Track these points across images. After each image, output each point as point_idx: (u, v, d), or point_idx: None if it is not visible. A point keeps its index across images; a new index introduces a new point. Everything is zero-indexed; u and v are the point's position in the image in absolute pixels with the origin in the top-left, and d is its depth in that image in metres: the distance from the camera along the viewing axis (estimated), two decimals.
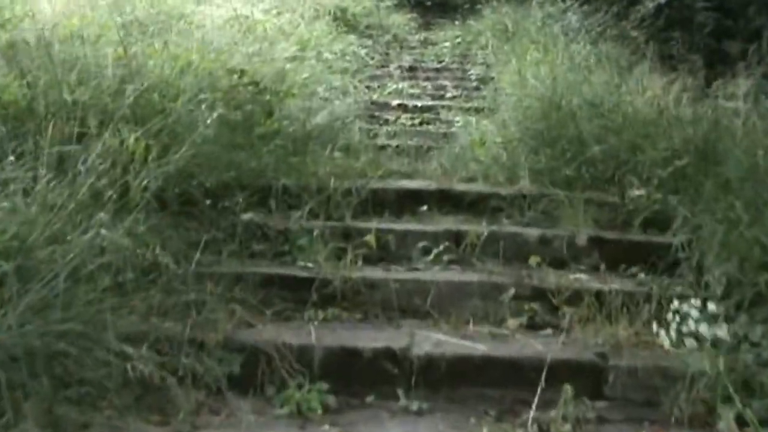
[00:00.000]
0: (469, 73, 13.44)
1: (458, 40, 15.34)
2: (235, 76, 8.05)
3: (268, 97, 8.24)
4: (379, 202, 6.52)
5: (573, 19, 12.22)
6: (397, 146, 9.98)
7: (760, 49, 9.81)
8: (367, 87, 12.53)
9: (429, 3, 19.07)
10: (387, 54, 14.50)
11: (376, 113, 11.52)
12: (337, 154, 7.44)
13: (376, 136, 10.60)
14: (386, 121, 11.24)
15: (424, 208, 6.59)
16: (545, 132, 7.59)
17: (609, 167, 7.01)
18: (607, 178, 6.97)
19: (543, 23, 14.37)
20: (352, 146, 8.30)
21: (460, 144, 9.15)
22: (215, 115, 6.95)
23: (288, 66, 10.47)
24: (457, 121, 11.04)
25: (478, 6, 17.30)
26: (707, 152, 6.79)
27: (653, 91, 8.79)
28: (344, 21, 14.25)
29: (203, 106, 7.27)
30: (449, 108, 11.70)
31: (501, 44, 14.25)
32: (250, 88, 8.08)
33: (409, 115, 11.38)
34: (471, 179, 7.26)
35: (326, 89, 11.08)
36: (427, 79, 13.38)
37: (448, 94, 12.41)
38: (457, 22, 16.88)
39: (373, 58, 13.75)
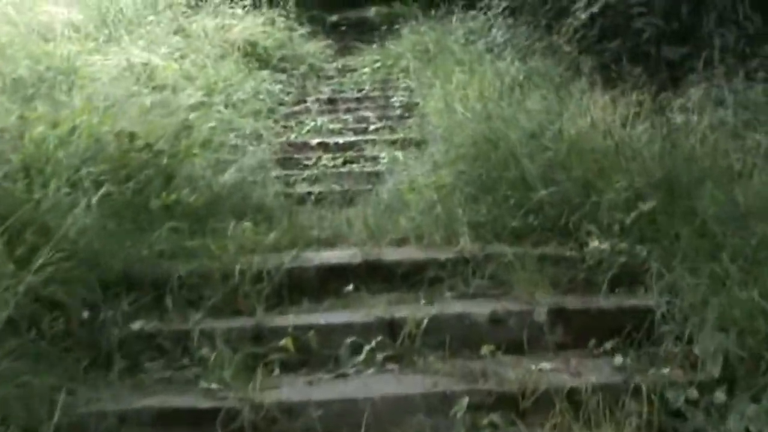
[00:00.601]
0: (392, 100, 12.38)
1: (377, 64, 14.26)
2: (126, 140, 6.88)
3: (165, 160, 7.08)
4: (296, 285, 5.38)
5: (498, 35, 11.16)
6: (319, 194, 8.96)
7: (699, 50, 8.90)
8: (284, 126, 11.43)
9: (344, 27, 17.95)
10: (303, 87, 13.39)
11: (295, 155, 10.44)
12: (246, 224, 6.26)
13: (295, 182, 9.52)
14: (305, 165, 10.16)
15: (350, 287, 5.44)
16: (483, 174, 6.51)
17: (561, 213, 5.94)
18: (560, 226, 5.91)
19: (466, 40, 13.37)
20: (265, 208, 7.17)
21: (387, 188, 8.05)
22: (100, 193, 5.84)
23: (192, 116, 9.30)
24: (383, 158, 9.96)
25: (396, 26, 16.22)
26: (673, 186, 5.78)
27: (597, 112, 7.78)
28: (255, 56, 13.09)
29: (87, 183, 6.15)
30: (374, 142, 10.65)
31: (423, 66, 13.21)
32: (144, 152, 6.93)
33: (330, 155, 10.30)
34: (402, 240, 6.13)
35: (238, 136, 9.95)
36: (348, 111, 12.29)
37: (372, 127, 11.33)
38: (375, 45, 15.81)
39: (288, 94, 12.63)
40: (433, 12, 16.55)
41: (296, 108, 12.30)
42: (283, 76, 13.25)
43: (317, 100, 12.63)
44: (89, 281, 5.06)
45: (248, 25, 13.49)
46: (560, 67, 9.54)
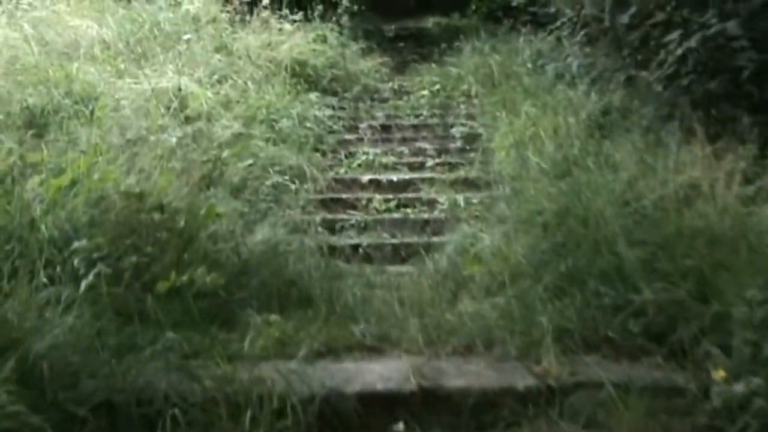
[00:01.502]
0: (452, 130, 10.98)
1: (436, 87, 12.85)
2: (134, 201, 5.60)
3: (183, 222, 5.78)
4: (329, 422, 4.01)
5: (574, 64, 9.71)
6: (368, 246, 7.66)
7: None
8: (332, 159, 10.07)
9: (401, 43, 16.52)
10: (356, 110, 12.02)
11: (343, 195, 9.09)
12: (273, 318, 4.92)
13: (342, 229, 8.20)
14: (354, 206, 8.81)
15: (401, 427, 4.06)
16: (568, 262, 5.10)
17: (672, 322, 4.54)
18: (671, 340, 4.49)
19: (533, 64, 11.93)
20: (302, 282, 5.84)
21: (447, 253, 6.70)
22: (88, 282, 4.58)
23: (225, 153, 8.02)
24: (442, 203, 8.61)
25: (456, 43, 14.79)
26: None
27: (699, 170, 6.37)
28: (304, 77, 11.75)
29: (78, 261, 4.89)
30: (431, 181, 9.32)
31: (486, 92, 11.83)
32: (156, 213, 5.63)
33: (382, 196, 8.95)
34: (467, 349, 4.74)
35: (279, 172, 8.64)
36: (404, 140, 10.92)
37: (429, 162, 9.97)
38: (434, 64, 14.37)
39: (338, 120, 11.27)
40: (494, 28, 15.19)
41: (347, 136, 10.95)
42: (334, 100, 11.90)
43: (370, 126, 11.27)
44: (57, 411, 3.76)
45: (297, 43, 12.12)
46: (647, 107, 8.07)
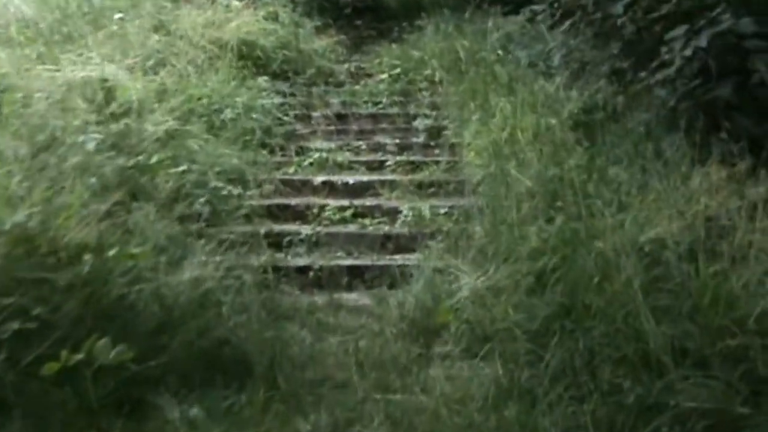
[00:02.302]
0: (415, 123, 9.76)
1: (397, 70, 11.55)
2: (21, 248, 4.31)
3: (87, 266, 4.50)
4: None
5: (556, 55, 8.49)
6: (319, 269, 6.47)
7: None
8: (281, 156, 8.80)
9: (359, 21, 15.15)
10: (309, 95, 10.72)
11: (292, 201, 7.86)
12: (194, 411, 3.70)
13: (290, 245, 6.99)
14: (305, 215, 7.58)
15: None
16: (578, 341, 3.90)
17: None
18: None
19: (504, 50, 10.67)
20: (238, 346, 4.61)
21: (415, 291, 5.52)
22: None
23: (155, 158, 6.74)
24: (405, 214, 7.40)
25: (418, 22, 13.48)
26: None
27: (713, 197, 5.24)
28: (252, 59, 10.40)
29: None
30: (392, 185, 8.05)
31: (452, 78, 10.55)
32: (49, 259, 4.36)
33: (336, 203, 7.72)
34: None
35: (218, 173, 7.38)
36: (361, 133, 9.69)
37: (389, 159, 8.75)
38: (393, 44, 13.08)
39: (289, 109, 9.97)
40: (459, 4, 13.91)
41: (298, 127, 9.69)
42: (285, 85, 10.58)
43: (324, 116, 10.01)
44: None
45: (246, 21, 10.76)
46: (646, 112, 6.89)
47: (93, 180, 5.71)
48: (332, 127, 9.74)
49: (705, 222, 4.88)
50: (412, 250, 6.90)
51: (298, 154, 8.92)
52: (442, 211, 7.47)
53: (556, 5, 8.53)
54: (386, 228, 7.42)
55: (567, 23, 7.96)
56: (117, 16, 9.01)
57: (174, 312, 4.65)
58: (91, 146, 6.24)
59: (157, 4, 10.49)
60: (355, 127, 9.84)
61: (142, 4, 10.18)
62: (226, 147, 8.13)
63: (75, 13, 9.22)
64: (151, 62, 8.74)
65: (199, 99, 8.57)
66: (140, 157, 6.64)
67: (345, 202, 7.75)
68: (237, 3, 11.05)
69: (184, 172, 6.93)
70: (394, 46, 12.96)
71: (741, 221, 4.80)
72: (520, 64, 9.89)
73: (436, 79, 10.88)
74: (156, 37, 9.39)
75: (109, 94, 7.46)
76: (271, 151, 8.84)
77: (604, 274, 4.19)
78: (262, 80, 10.13)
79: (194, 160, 7.20)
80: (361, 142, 9.30)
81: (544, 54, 9.41)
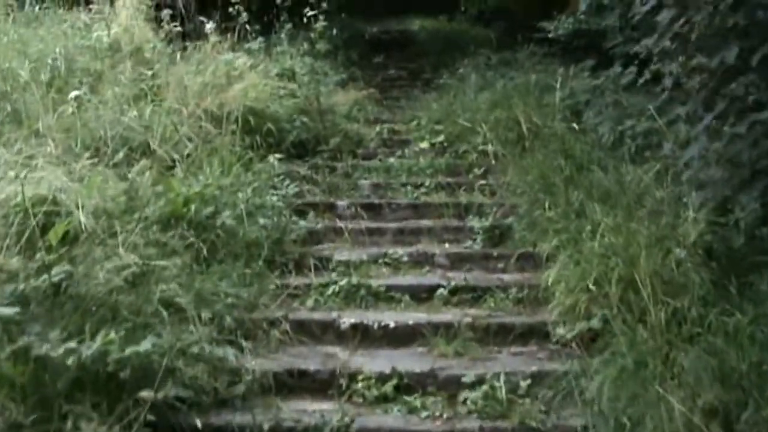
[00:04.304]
0: (470, 220, 7.11)
1: (440, 138, 8.94)
2: None
3: None
4: None
5: (693, 149, 5.68)
6: None
7: None
8: (296, 274, 6.21)
9: (392, 71, 12.48)
10: (332, 174, 8.13)
11: (310, 366, 5.24)
12: None
13: None
14: (326, 390, 5.07)
15: None
16: None
17: None
18: None
19: (573, 115, 8.03)
20: None
21: None
22: None
23: (97, 343, 4.11)
24: (467, 383, 4.80)
25: (460, 70, 10.86)
26: None
27: None
28: (261, 133, 7.75)
29: None
30: (447, 329, 5.40)
31: (510, 154, 7.93)
32: None
33: (373, 367, 5.11)
34: None
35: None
36: (401, 234, 7.10)
37: (441, 282, 6.05)
38: (433, 96, 10.46)
39: (308, 196, 7.39)
40: (503, 41, 11.35)
41: (319, 227, 7.03)
42: (301, 168, 7.92)
43: (352, 206, 7.37)
44: None
45: (254, 83, 8.10)
46: None
47: None
48: (363, 225, 7.09)
49: None
50: None
51: (317, 269, 6.27)
52: (523, 383, 4.82)
53: (680, 67, 5.69)
54: (444, 416, 4.74)
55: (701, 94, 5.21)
56: (73, 94, 6.30)
57: None
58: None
59: (142, 62, 7.84)
60: (392, 224, 7.24)
61: (123, 64, 7.52)
62: (221, 275, 5.52)
63: (28, 83, 6.57)
64: (121, 154, 6.08)
65: (186, 204, 5.91)
66: (73, 344, 4.00)
67: (385, 367, 5.07)
68: (243, 59, 8.35)
69: (146, 355, 4.28)
70: (430, 96, 10.33)
71: None
72: (601, 141, 7.24)
73: (489, 150, 8.19)
74: (132, 113, 6.72)
75: (48, 220, 4.83)
76: (282, 272, 6.21)
77: None
78: (273, 161, 7.47)
79: (160, 333, 4.53)
80: (400, 250, 6.69)
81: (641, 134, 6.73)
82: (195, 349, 4.76)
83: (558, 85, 8.30)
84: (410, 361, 5.22)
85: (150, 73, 7.54)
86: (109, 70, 7.41)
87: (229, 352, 4.92)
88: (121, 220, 5.27)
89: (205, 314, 5.11)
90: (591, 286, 5.15)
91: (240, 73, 8.17)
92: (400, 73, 13.10)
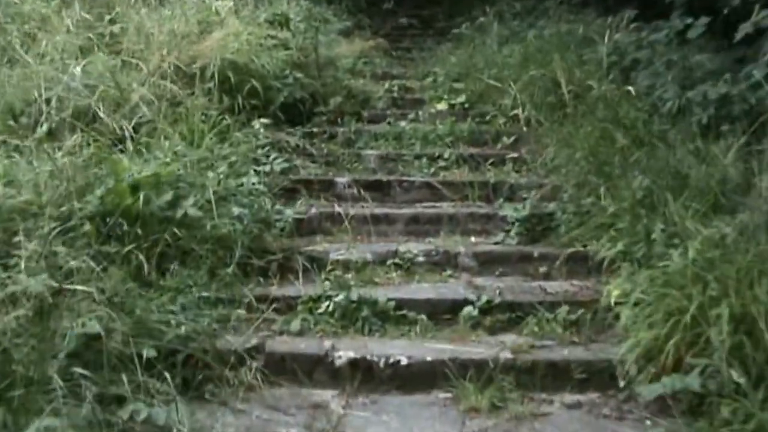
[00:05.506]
0: (500, 205, 5.46)
1: (461, 98, 7.29)
2: None
3: None
4: None
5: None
6: None
7: None
8: (280, 283, 4.59)
9: (403, 20, 10.78)
10: (331, 141, 6.50)
11: (289, 417, 3.58)
12: None
13: None
14: None
15: None
16: None
17: None
18: None
19: (623, 75, 6.38)
20: None
21: None
22: None
23: None
24: None
25: (480, 19, 9.17)
26: None
27: None
28: (243, 92, 6.09)
29: None
30: (480, 366, 3.77)
31: (548, 120, 6.26)
32: None
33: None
34: None
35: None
36: (415, 223, 5.47)
37: (470, 302, 4.47)
38: (449, 48, 8.80)
39: (300, 171, 5.76)
40: None
41: (312, 210, 5.40)
42: (294, 135, 6.25)
43: (354, 184, 5.73)
44: None
45: (237, 30, 6.40)
46: None
47: None
48: (367, 211, 5.45)
49: None
50: None
51: (306, 273, 4.66)
52: None
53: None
54: None
55: None
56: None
57: None
58: None
59: (102, 4, 6.15)
60: (404, 210, 5.57)
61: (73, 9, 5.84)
62: (173, 296, 3.91)
63: None
64: (47, 126, 4.43)
65: (134, 191, 4.28)
66: None
67: (395, 429, 3.48)
68: (225, 2, 6.65)
69: None
70: (445, 47, 8.67)
71: None
72: (661, 109, 5.59)
73: (520, 114, 6.52)
74: (77, 69, 5.06)
75: None
76: (261, 277, 4.59)
77: None
78: (258, 127, 5.82)
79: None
80: (414, 247, 5.07)
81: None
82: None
83: (604, 39, 6.57)
84: (429, 419, 3.63)
85: (107, 18, 5.82)
86: (56, 14, 5.70)
87: (160, 415, 3.30)
88: (32, 223, 3.65)
89: (148, 352, 3.51)
90: (682, 319, 3.53)
91: (221, 20, 6.45)
92: (412, 21, 11.47)
